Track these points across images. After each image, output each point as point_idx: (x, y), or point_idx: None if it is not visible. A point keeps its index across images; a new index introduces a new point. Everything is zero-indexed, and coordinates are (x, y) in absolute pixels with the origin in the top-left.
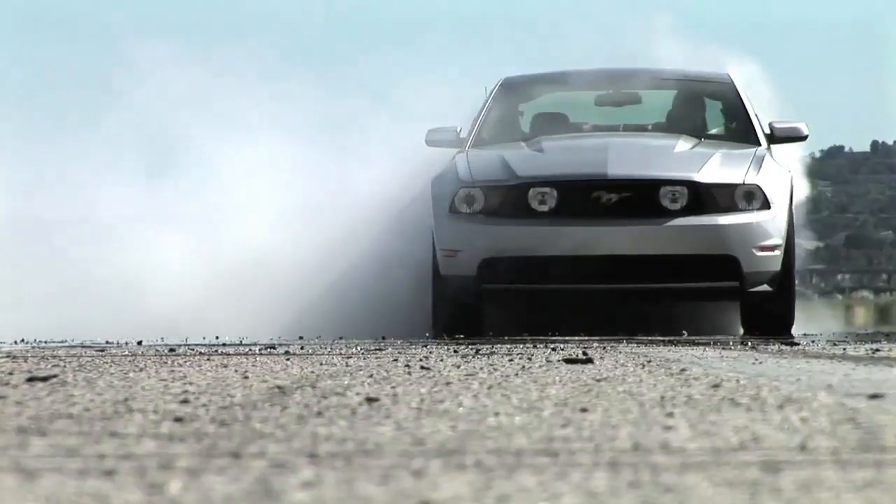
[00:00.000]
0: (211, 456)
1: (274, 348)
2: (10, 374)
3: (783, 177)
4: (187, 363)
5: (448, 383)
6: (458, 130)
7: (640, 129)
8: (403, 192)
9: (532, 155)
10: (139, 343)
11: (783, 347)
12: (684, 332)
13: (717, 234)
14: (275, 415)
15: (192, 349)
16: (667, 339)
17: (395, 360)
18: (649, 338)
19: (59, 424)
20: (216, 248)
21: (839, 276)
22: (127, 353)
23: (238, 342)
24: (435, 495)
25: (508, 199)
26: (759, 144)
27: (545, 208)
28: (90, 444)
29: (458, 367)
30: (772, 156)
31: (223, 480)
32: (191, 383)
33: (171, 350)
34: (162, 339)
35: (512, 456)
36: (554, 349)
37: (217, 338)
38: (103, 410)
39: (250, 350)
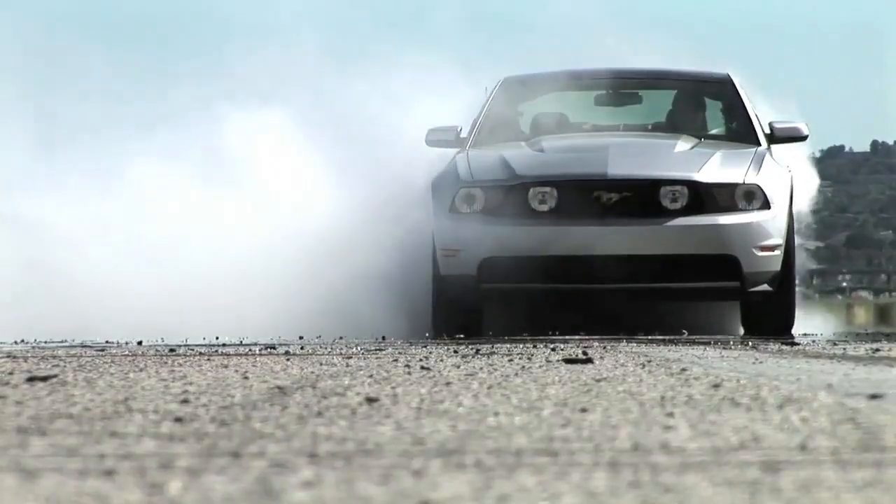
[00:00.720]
0: (211, 456)
1: (274, 348)
2: (10, 374)
3: (783, 177)
4: (187, 363)
5: (448, 383)
6: (459, 130)
7: (640, 129)
8: (403, 191)
9: (532, 155)
10: (139, 343)
11: (783, 347)
12: (684, 331)
13: (718, 233)
14: (275, 415)
15: (192, 349)
16: (667, 339)
17: (396, 360)
18: (649, 338)
19: (59, 424)
20: (215, 248)
21: (839, 277)
22: (127, 353)
23: (238, 342)
24: (435, 495)
25: (509, 198)
26: (759, 144)
27: (545, 208)
28: (90, 444)
29: (458, 367)
30: (772, 156)
31: (223, 480)
32: (191, 383)
33: (172, 350)
34: (162, 339)
35: (512, 456)
36: (554, 349)
37: (217, 338)
38: (103, 410)
39: (250, 350)
